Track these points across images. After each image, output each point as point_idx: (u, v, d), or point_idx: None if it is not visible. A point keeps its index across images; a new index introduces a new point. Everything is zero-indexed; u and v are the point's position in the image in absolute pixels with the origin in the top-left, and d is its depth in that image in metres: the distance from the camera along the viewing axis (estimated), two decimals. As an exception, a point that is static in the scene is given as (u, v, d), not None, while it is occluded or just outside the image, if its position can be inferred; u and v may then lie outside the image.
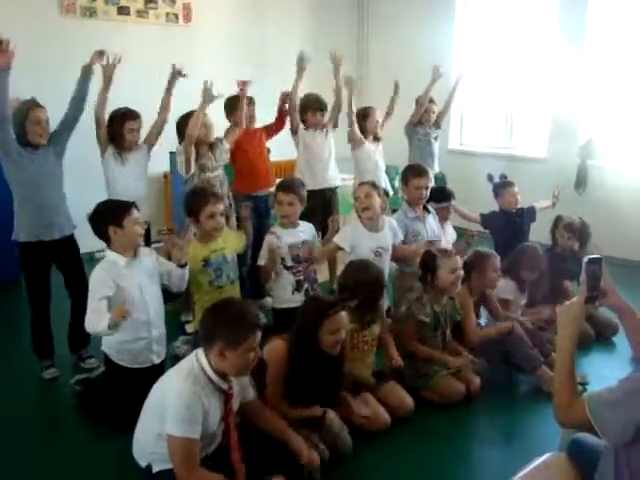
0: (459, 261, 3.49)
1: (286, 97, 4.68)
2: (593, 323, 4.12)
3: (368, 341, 3.28)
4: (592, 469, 1.91)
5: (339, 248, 3.84)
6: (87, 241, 3.58)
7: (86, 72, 3.64)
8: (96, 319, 2.89)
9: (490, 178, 4.73)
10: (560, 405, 1.87)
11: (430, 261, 3.49)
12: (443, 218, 4.44)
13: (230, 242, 3.62)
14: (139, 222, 3.13)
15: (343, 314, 2.86)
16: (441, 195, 4.46)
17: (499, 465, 2.90)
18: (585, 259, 1.93)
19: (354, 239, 3.82)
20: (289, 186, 3.80)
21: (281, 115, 4.77)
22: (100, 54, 3.73)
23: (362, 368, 3.30)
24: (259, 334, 2.39)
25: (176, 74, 4.12)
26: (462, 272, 3.48)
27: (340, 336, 2.84)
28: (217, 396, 2.42)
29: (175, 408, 2.29)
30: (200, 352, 2.41)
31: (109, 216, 3.08)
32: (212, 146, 4.25)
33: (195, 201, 3.52)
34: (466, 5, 7.07)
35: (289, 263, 3.71)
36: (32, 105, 3.50)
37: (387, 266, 3.93)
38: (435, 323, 3.48)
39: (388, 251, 3.92)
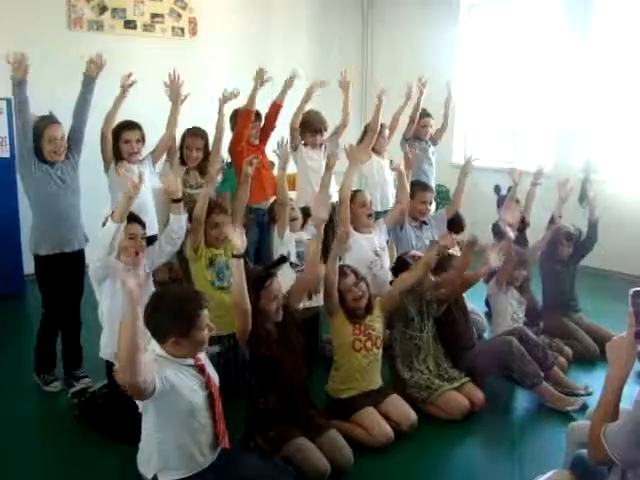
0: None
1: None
2: (596, 338, 4.11)
3: (372, 337, 3.28)
4: (596, 487, 1.91)
5: None
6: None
7: (85, 81, 3.60)
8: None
9: (497, 190, 4.70)
10: (592, 437, 1.84)
11: (401, 266, 3.59)
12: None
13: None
14: (135, 237, 3.16)
15: (276, 280, 2.97)
16: (458, 225, 4.46)
17: (503, 482, 2.89)
18: (630, 292, 1.83)
19: (352, 242, 3.84)
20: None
21: (268, 116, 4.69)
22: (93, 63, 3.58)
23: (375, 371, 3.32)
24: (205, 312, 2.43)
25: (176, 89, 4.03)
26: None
27: (280, 301, 2.97)
28: (189, 372, 2.44)
29: None
30: (154, 345, 2.42)
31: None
32: (201, 165, 4.22)
33: None
34: (470, 12, 7.13)
35: (294, 259, 3.69)
36: (47, 122, 3.52)
37: (387, 264, 4.00)
38: (420, 316, 3.53)
39: (385, 249, 4.03)
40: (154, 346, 2.43)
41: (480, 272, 3.66)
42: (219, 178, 4.35)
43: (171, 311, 2.38)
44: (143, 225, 3.24)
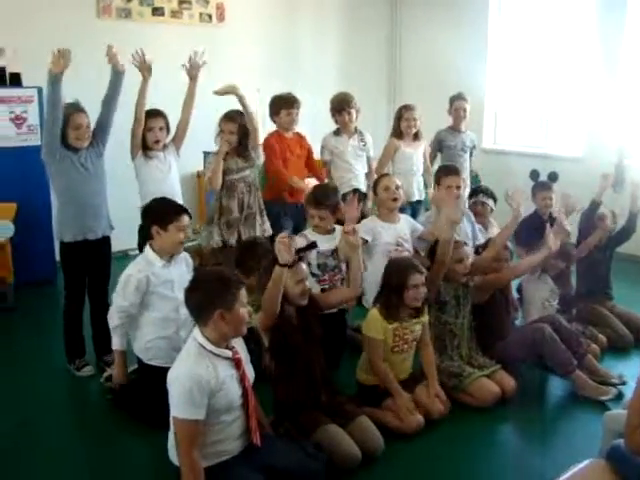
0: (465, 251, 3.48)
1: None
2: (631, 326, 4.06)
3: (408, 340, 3.24)
4: (635, 477, 1.87)
5: (364, 241, 3.71)
6: (122, 240, 3.61)
7: (114, 72, 3.62)
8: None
9: (534, 175, 4.55)
10: (629, 426, 1.81)
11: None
12: (480, 216, 4.35)
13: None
14: (184, 229, 3.17)
15: (303, 265, 2.94)
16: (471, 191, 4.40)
17: (536, 472, 2.84)
18: None
19: (374, 232, 3.81)
20: (319, 201, 3.63)
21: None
22: (111, 51, 3.58)
23: (407, 363, 3.30)
24: (244, 291, 2.46)
25: (196, 66, 3.96)
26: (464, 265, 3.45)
27: (304, 286, 2.92)
28: (227, 365, 2.45)
29: (176, 391, 2.33)
30: (196, 331, 2.45)
31: (157, 216, 3.15)
32: (239, 149, 4.13)
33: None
34: (500, 7, 6.99)
35: (315, 270, 3.58)
36: (73, 110, 3.56)
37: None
38: (456, 304, 3.49)
39: (408, 242, 3.91)
40: (195, 334, 2.44)
41: (534, 258, 3.59)
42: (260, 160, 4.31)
43: (215, 285, 2.41)
44: (190, 216, 3.24)
